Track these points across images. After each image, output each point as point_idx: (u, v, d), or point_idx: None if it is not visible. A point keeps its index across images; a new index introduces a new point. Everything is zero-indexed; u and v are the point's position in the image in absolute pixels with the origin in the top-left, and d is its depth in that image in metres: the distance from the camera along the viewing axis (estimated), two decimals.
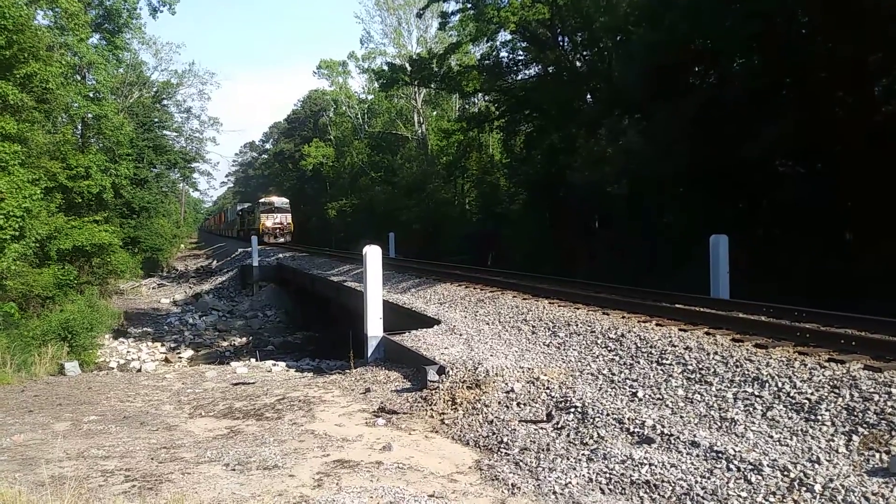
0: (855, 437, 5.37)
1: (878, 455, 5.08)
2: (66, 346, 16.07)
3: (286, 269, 30.84)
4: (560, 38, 25.24)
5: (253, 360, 16.28)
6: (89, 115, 26.89)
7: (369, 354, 11.88)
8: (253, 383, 11.55)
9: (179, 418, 9.17)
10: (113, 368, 16.89)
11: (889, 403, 5.60)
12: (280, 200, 51.43)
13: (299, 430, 7.85)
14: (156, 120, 41.49)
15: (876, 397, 5.74)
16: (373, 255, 12.52)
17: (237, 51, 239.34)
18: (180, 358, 18.81)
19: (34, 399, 11.00)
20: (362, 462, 6.52)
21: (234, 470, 6.40)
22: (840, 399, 5.90)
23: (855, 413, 5.65)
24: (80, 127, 28.53)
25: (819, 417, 5.76)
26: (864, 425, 5.47)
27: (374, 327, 12.06)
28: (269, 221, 49.16)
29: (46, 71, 18.27)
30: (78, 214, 24.07)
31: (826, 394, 6.05)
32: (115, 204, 32.26)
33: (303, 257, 33.96)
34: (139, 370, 16.22)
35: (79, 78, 27.29)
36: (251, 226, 53.10)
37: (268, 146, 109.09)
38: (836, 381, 6.20)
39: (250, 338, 22.85)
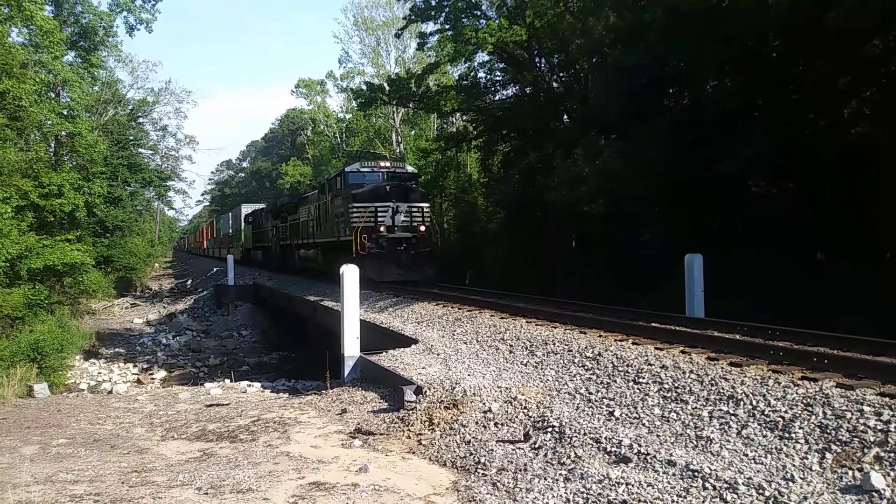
0: (828, 455, 5.41)
1: (850, 472, 5.13)
2: (36, 368, 15.72)
3: (262, 289, 30.56)
4: (537, 60, 25.53)
5: (227, 380, 16.05)
6: (63, 133, 26.62)
7: (346, 374, 11.79)
8: (227, 405, 11.38)
9: (151, 441, 9.00)
10: (83, 390, 16.53)
11: (861, 421, 5.66)
12: (405, 169, 22.73)
13: (274, 453, 7.74)
14: (131, 138, 40.98)
15: (848, 415, 5.80)
16: (350, 274, 12.49)
17: (215, 69, 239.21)
18: (153, 379, 18.47)
19: (1, 422, 10.74)
20: (338, 484, 6.44)
21: (206, 494, 6.29)
22: (813, 417, 5.95)
23: (828, 431, 5.70)
24: (53, 145, 28.19)
25: (793, 435, 5.80)
26: (838, 443, 5.52)
27: (351, 347, 11.99)
28: (383, 223, 19.76)
29: (20, 88, 18.11)
30: (50, 233, 23.66)
31: (800, 412, 6.10)
32: (88, 223, 31.80)
33: (279, 276, 33.67)
34: (110, 392, 15.90)
35: (53, 95, 27.04)
36: (303, 237, 27.36)
37: (245, 165, 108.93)
38: (809, 399, 6.26)
39: (225, 358, 22.53)
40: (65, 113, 25.94)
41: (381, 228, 19.42)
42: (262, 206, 43.63)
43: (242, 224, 44.48)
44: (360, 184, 20.74)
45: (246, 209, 45.76)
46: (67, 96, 27.32)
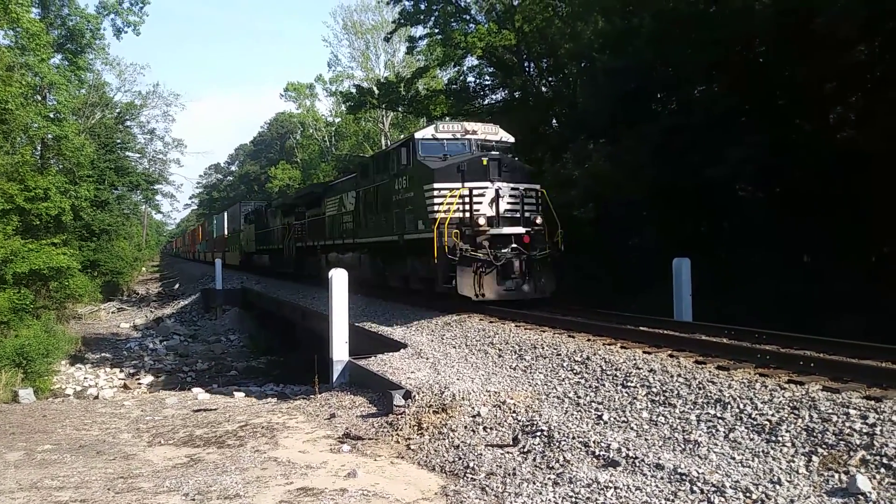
0: (815, 458, 5.44)
1: (837, 475, 5.16)
2: (21, 373, 15.63)
3: (251, 293, 30.42)
4: (526, 64, 25.65)
5: (215, 385, 15.99)
6: (49, 136, 26.47)
7: (334, 379, 11.75)
8: (214, 410, 11.32)
9: (137, 447, 8.93)
10: (69, 395, 16.42)
11: (847, 424, 5.69)
12: (499, 137, 15.46)
13: (262, 458, 7.69)
14: (118, 141, 40.77)
15: (834, 418, 5.84)
16: (338, 278, 12.45)
17: (204, 72, 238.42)
18: (139, 384, 18.34)
19: None
20: (326, 489, 6.41)
21: (193, 500, 6.24)
22: (800, 420, 5.98)
23: (814, 434, 5.73)
24: (39, 148, 28.01)
25: (780, 438, 5.82)
26: (824, 446, 5.55)
27: (340, 351, 11.95)
28: (481, 214, 13.47)
29: (6, 91, 18.01)
30: (35, 237, 23.49)
31: (786, 415, 6.13)
32: (75, 226, 31.61)
33: (268, 280, 33.52)
34: (96, 397, 15.78)
35: (39, 98, 26.87)
36: (333, 237, 20.96)
37: (233, 168, 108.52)
38: (795, 403, 6.29)
39: (213, 363, 22.43)
40: (51, 116, 25.79)
41: (480, 221, 13.29)
42: (264, 202, 38.32)
43: (242, 223, 38.96)
44: (440, 156, 14.49)
45: (246, 207, 40.37)
46: (54, 99, 27.16)
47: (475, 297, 13.19)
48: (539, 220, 13.86)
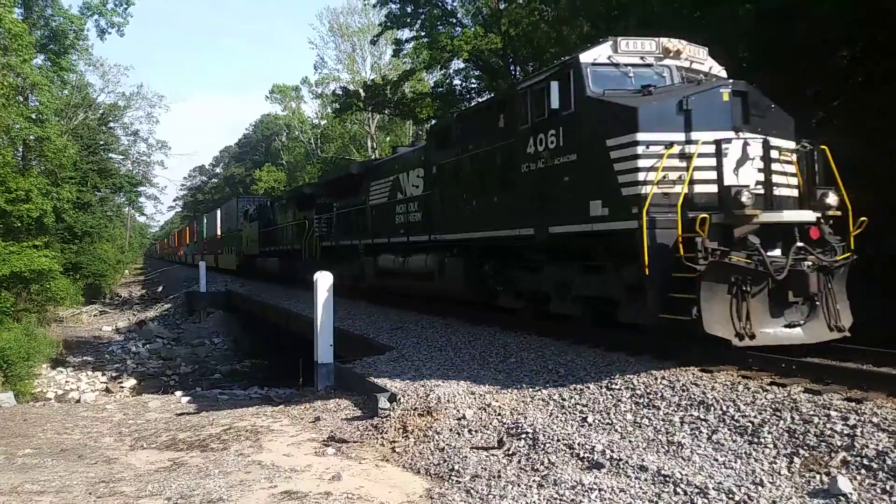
0: (796, 459, 5.49)
1: (818, 476, 5.21)
2: (1, 376, 15.45)
3: (235, 296, 30.25)
4: (512, 68, 25.76)
5: (199, 388, 15.88)
6: (31, 138, 26.18)
7: (319, 382, 11.70)
8: (198, 413, 11.24)
9: (120, 451, 8.85)
10: (50, 399, 16.25)
11: (828, 425, 5.75)
12: (708, 64, 9.85)
13: (246, 461, 7.64)
14: (101, 143, 40.45)
15: (816, 420, 5.89)
16: (323, 281, 12.41)
17: (189, 73, 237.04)
18: (122, 388, 18.20)
19: None
20: (311, 493, 6.38)
21: None
22: (782, 422, 6.03)
23: (796, 435, 5.78)
24: (21, 149, 27.72)
25: (762, 440, 5.87)
26: (805, 447, 5.60)
27: (325, 354, 11.90)
28: (739, 188, 7.48)
29: None
30: (16, 239, 23.24)
31: (768, 417, 6.19)
32: (56, 229, 31.28)
33: (252, 283, 33.34)
34: (78, 401, 15.65)
35: (21, 99, 26.58)
36: (382, 232, 16.18)
37: (218, 170, 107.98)
38: (777, 405, 6.35)
39: (196, 366, 22.29)
40: (33, 117, 25.52)
41: (743, 199, 7.62)
42: (269, 197, 33.63)
43: (241, 221, 34.61)
44: (627, 91, 8.97)
45: (246, 203, 35.70)
46: (36, 100, 26.89)
47: (738, 340, 7.55)
48: (834, 201, 8.34)
